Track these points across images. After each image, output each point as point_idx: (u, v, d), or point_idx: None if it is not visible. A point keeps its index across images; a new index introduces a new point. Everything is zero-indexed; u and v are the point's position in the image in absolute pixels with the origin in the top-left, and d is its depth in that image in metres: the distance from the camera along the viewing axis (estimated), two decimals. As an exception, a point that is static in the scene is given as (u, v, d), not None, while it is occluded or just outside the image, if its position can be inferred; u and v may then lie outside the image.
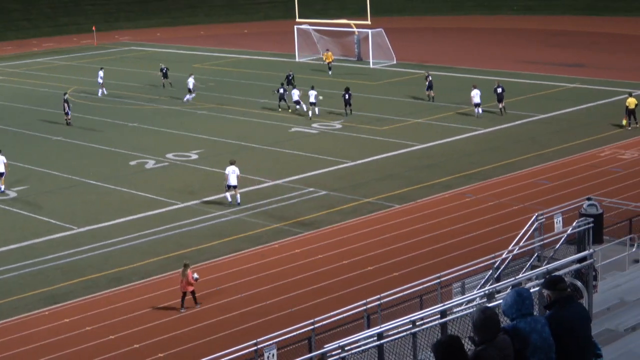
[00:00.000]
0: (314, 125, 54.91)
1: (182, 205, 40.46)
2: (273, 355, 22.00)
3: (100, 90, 67.89)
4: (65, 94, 59.48)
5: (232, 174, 39.91)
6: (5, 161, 43.56)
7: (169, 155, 48.90)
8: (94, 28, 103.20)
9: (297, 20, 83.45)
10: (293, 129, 53.93)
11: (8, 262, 34.44)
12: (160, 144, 51.67)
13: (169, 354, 26.58)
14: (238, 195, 40.02)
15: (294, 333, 23.19)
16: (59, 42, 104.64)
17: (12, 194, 43.19)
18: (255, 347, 21.92)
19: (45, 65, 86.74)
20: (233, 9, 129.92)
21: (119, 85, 71.61)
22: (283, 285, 31.21)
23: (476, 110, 55.74)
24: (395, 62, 77.03)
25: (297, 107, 57.85)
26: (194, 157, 48.62)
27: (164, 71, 70.49)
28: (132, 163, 47.89)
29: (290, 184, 43.04)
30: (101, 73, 68.72)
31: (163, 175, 45.52)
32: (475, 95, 55.75)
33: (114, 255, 34.82)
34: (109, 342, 27.47)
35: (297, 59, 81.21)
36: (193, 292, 29.72)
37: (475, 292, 21.80)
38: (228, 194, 40.17)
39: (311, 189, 42.03)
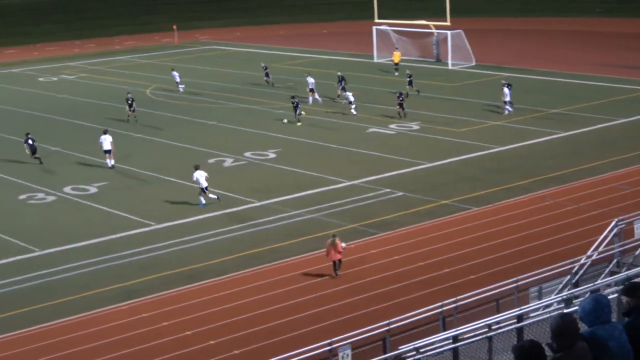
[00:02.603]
0: (391, 126, 54.80)
1: (258, 203, 40.70)
2: (347, 355, 22.01)
3: (181, 87, 69.23)
4: (128, 92, 60.26)
5: (201, 177, 40.26)
6: (111, 140, 47.73)
7: (247, 154, 49.23)
8: (174, 27, 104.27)
9: (376, 20, 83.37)
10: (370, 130, 53.86)
11: (86, 257, 34.98)
12: (239, 143, 52.04)
13: (244, 351, 26.76)
14: (211, 195, 40.44)
15: (369, 334, 23.20)
16: (140, 41, 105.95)
17: (92, 189, 43.85)
18: (329, 347, 21.96)
19: (126, 63, 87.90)
20: (313, 9, 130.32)
21: (198, 83, 72.33)
22: (358, 286, 31.20)
23: (507, 107, 56.73)
24: (474, 63, 76.50)
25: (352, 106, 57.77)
26: (272, 156, 48.86)
27: (266, 70, 71.23)
28: (211, 161, 48.29)
29: (367, 184, 43.02)
30: (175, 73, 69.90)
31: (240, 174, 45.84)
32: (506, 93, 56.71)
33: (190, 253, 35.16)
34: (185, 338, 27.74)
35: (375, 60, 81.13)
36: (340, 261, 31.83)
37: (552, 297, 21.59)
38: (203, 198, 40.44)
39: (387, 190, 41.96)
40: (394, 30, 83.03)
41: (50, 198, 42.95)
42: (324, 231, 36.50)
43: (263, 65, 72.61)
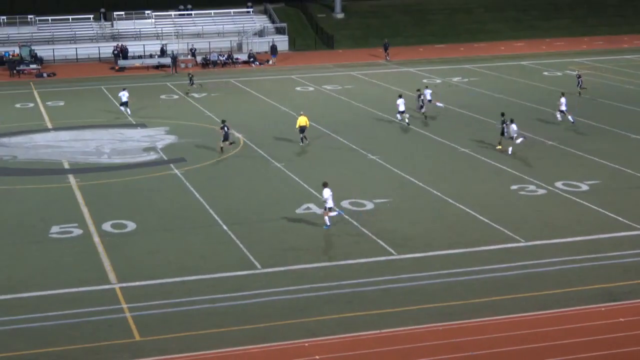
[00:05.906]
0: None
1: None
2: None
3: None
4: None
5: (328, 195, 37.54)
6: (516, 128, 50.06)
7: None
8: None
9: None
10: None
11: (571, 254, 34.81)
12: None
13: None
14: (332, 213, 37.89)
15: None
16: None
17: (584, 186, 43.58)
18: None
19: (631, 62, 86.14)
20: None
21: None
22: None
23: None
24: None
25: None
26: None
27: None
28: None
29: None
30: (563, 100, 58.00)
31: None
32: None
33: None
34: (662, 349, 26.73)
35: None
36: None
37: None
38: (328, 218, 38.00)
39: None
40: None
41: (541, 191, 43.30)
42: None
43: None
